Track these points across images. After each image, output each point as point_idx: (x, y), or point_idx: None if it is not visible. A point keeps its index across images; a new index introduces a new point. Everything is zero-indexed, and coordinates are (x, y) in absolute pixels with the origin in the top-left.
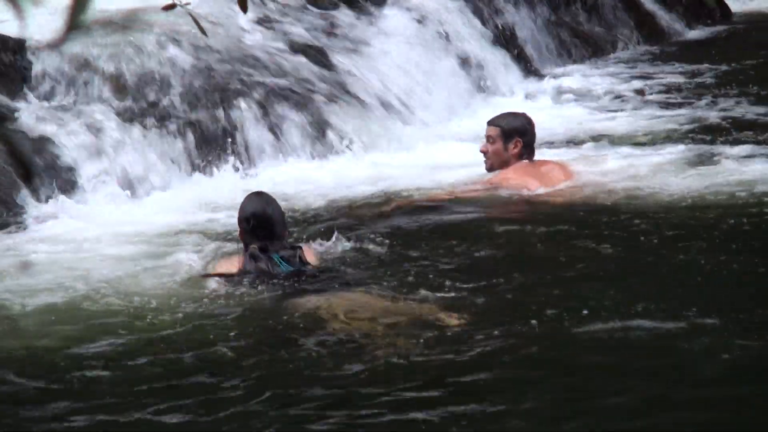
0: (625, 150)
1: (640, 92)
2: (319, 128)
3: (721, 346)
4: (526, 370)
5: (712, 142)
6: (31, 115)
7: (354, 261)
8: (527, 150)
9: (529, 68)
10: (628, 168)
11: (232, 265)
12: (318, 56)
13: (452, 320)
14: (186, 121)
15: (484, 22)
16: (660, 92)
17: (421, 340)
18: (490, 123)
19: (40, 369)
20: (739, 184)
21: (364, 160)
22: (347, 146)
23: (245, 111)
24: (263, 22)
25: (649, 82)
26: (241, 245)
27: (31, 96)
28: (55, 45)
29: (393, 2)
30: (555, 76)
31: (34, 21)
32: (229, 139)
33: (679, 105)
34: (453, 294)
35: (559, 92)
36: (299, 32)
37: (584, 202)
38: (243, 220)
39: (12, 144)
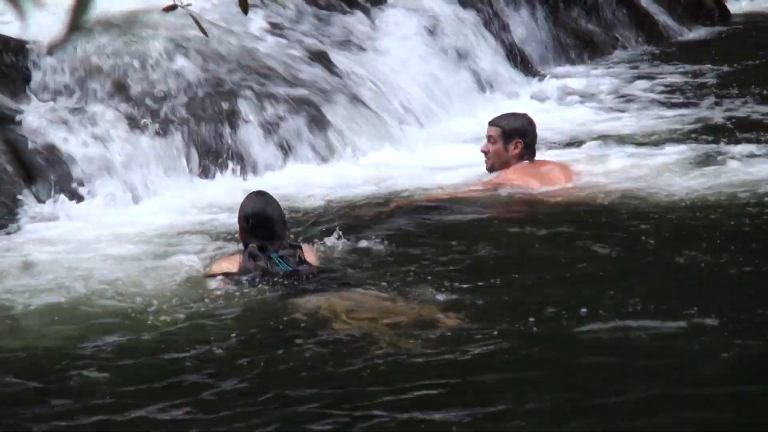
0: (629, 150)
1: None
2: (320, 129)
3: (721, 346)
4: (526, 370)
5: (715, 143)
6: (32, 116)
7: (354, 261)
8: (528, 150)
9: (529, 69)
10: (631, 168)
11: (232, 265)
12: (318, 57)
13: (452, 320)
14: (187, 122)
15: (484, 23)
16: (663, 92)
17: (421, 340)
18: (491, 123)
19: (40, 369)
20: (742, 184)
21: (364, 160)
22: (348, 147)
23: (246, 113)
24: (264, 24)
25: (651, 82)
26: (241, 245)
27: (32, 97)
28: (56, 46)
29: (393, 2)
30: (556, 77)
31: (35, 22)
32: (230, 141)
33: (683, 105)
34: (453, 294)
35: (564, 93)
36: (299, 34)
37: (585, 202)
38: (243, 219)
39: (13, 145)
